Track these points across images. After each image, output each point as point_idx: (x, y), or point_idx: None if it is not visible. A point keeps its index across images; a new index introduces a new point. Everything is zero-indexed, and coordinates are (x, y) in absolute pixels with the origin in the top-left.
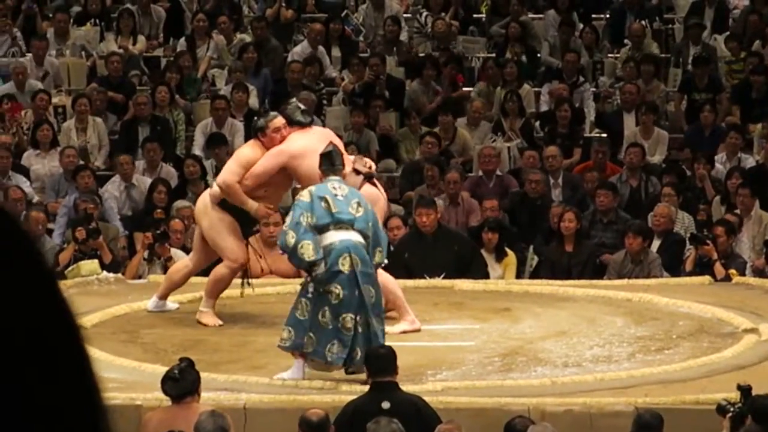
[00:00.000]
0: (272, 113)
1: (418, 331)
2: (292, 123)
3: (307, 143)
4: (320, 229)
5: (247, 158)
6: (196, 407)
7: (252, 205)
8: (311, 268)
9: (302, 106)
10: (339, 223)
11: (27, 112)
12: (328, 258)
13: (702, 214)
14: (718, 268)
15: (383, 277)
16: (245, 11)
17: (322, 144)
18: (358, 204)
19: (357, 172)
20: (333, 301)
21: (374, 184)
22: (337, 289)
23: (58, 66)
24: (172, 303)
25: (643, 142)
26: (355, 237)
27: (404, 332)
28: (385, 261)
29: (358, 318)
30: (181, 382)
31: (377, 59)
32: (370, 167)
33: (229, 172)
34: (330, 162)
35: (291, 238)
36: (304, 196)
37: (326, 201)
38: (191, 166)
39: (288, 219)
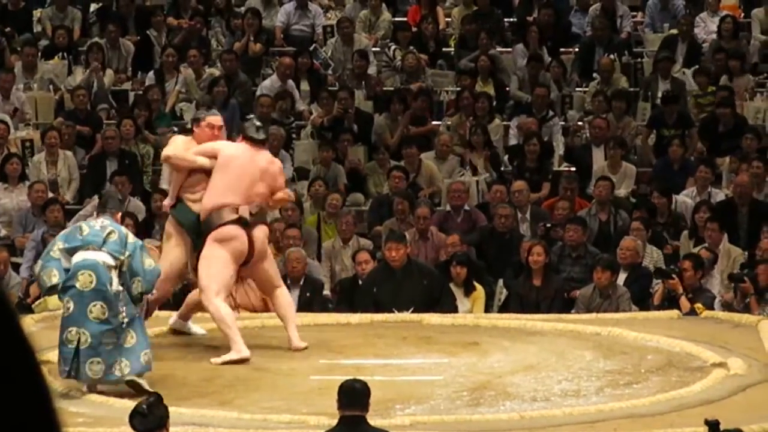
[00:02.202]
0: (213, 110)
1: (246, 361)
2: (246, 137)
3: (236, 157)
4: (71, 252)
5: (184, 141)
6: None
7: (203, 161)
8: (51, 293)
9: (258, 123)
10: (88, 245)
11: None
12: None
13: (668, 248)
14: (683, 302)
15: (221, 311)
16: (213, 45)
17: (251, 169)
18: (112, 232)
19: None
20: (64, 315)
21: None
22: (69, 303)
23: (25, 100)
24: (197, 327)
25: (611, 176)
26: (101, 257)
27: (230, 362)
28: (151, 292)
29: (81, 332)
30: (150, 417)
31: (346, 93)
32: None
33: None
34: (102, 204)
35: (37, 266)
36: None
37: (81, 228)
38: (159, 200)
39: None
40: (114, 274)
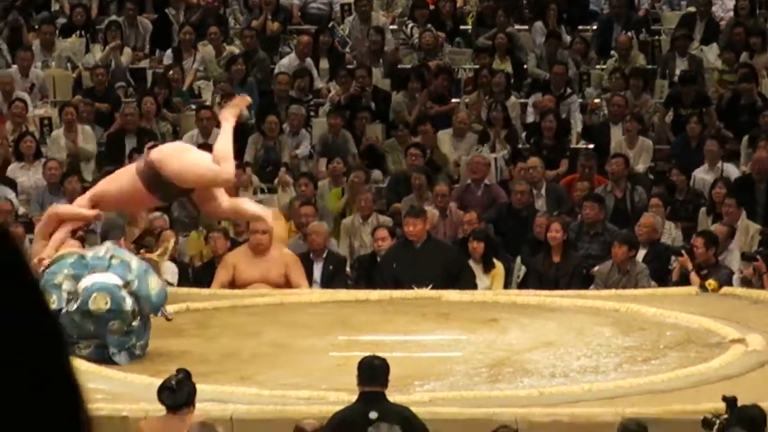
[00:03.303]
0: None
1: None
2: None
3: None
4: (77, 278)
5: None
6: (190, 419)
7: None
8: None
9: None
10: (94, 268)
11: (8, 123)
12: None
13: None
14: (693, 278)
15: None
16: (231, 23)
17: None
18: (115, 257)
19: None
20: (86, 330)
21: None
22: (89, 325)
23: (43, 78)
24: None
25: (627, 152)
26: (111, 278)
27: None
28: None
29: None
30: (178, 393)
31: (363, 71)
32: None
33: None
34: (104, 233)
35: None
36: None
37: (84, 256)
38: None
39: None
40: (125, 293)
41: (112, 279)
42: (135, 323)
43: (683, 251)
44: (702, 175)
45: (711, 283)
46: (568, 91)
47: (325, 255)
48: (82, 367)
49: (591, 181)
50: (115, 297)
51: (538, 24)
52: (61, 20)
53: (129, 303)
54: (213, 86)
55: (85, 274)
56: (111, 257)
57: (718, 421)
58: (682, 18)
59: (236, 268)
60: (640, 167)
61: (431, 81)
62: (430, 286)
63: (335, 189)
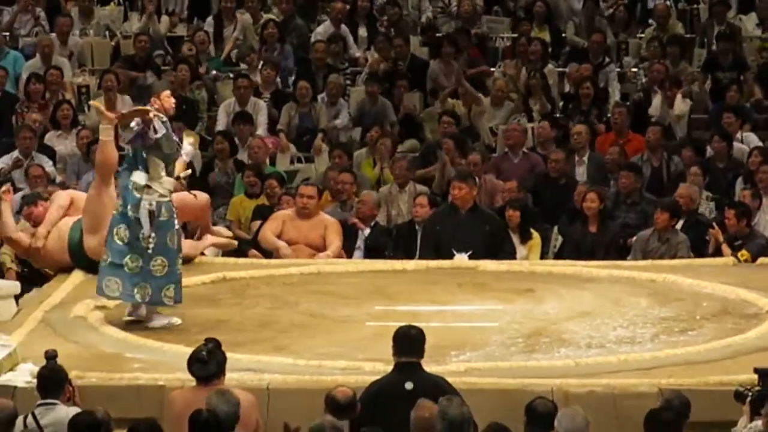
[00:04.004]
0: None
1: None
2: None
3: None
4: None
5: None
6: (225, 389)
7: None
8: None
9: None
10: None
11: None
12: None
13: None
14: (725, 249)
15: None
16: None
17: None
18: None
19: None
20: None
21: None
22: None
23: (82, 45)
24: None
25: (666, 117)
26: (134, 176)
27: None
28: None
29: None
30: (209, 365)
31: (401, 40)
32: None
33: None
34: None
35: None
36: None
37: None
38: (220, 143)
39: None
40: (145, 194)
41: (135, 177)
42: (142, 242)
43: (714, 223)
44: (738, 144)
45: (743, 253)
46: (606, 59)
47: (372, 224)
48: (119, 336)
49: (624, 134)
50: (126, 198)
51: None
52: None
53: (143, 206)
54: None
55: None
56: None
57: (750, 393)
58: None
59: (284, 224)
60: (678, 131)
61: (467, 48)
62: (470, 254)
63: (367, 159)
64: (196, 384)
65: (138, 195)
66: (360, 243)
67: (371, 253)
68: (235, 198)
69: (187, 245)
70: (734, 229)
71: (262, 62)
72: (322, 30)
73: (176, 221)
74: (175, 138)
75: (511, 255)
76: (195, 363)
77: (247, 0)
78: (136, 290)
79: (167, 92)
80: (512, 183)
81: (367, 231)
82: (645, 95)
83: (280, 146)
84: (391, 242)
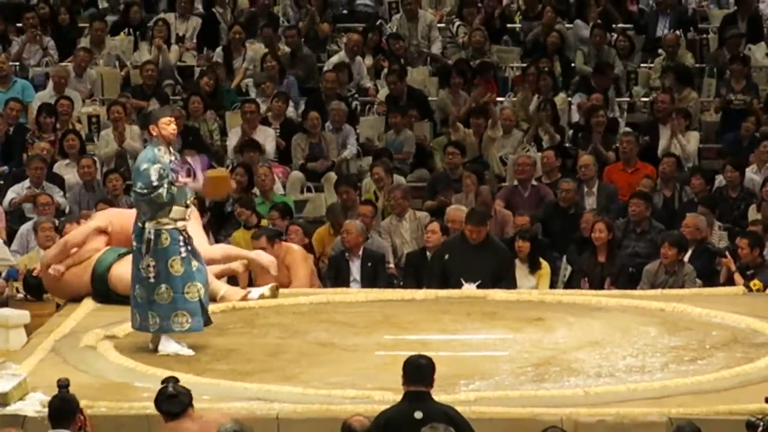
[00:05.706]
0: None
1: None
2: None
3: None
4: None
5: None
6: (198, 416)
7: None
8: None
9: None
10: None
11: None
12: None
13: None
14: (737, 278)
15: None
16: (282, 21)
17: None
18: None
19: None
20: None
21: None
22: None
23: (92, 75)
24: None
25: (678, 149)
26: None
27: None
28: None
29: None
30: (181, 397)
31: (394, 76)
32: None
33: None
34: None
35: None
36: None
37: None
38: (240, 174)
39: None
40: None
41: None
42: (142, 272)
43: (726, 252)
44: (750, 174)
45: (756, 283)
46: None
47: (361, 253)
48: (129, 365)
49: (633, 163)
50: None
51: (581, 22)
52: (111, 18)
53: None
54: (255, 85)
55: None
56: None
57: (762, 423)
58: (725, 17)
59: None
60: (690, 148)
61: (474, 78)
62: (478, 284)
63: (369, 191)
64: (165, 421)
65: (140, 224)
66: (355, 275)
67: (367, 282)
68: (236, 232)
69: (231, 291)
70: (747, 258)
71: (273, 94)
72: (336, 60)
73: (182, 249)
74: (188, 189)
75: (513, 285)
76: (169, 400)
77: (264, 33)
78: (149, 320)
79: (168, 118)
80: (524, 218)
81: (358, 262)
82: (652, 125)
83: (289, 177)
84: (384, 270)
